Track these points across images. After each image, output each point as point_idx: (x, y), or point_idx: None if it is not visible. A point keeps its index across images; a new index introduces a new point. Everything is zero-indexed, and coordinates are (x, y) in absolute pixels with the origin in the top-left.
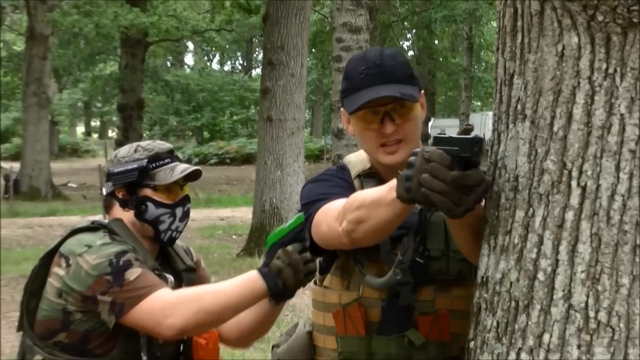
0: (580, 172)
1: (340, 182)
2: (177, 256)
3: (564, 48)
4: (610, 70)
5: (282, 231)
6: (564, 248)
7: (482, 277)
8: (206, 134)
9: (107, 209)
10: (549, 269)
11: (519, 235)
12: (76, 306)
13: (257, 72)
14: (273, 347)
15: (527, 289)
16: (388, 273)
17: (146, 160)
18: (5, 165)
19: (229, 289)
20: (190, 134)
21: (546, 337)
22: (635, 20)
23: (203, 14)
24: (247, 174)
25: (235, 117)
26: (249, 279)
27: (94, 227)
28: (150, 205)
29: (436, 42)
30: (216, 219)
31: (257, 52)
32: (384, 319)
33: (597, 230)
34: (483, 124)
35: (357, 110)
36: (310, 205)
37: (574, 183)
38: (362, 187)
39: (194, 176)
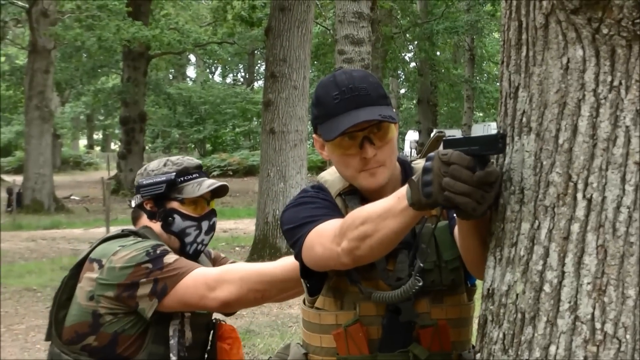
0: (586, 185)
1: (324, 203)
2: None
3: (568, 61)
4: (615, 83)
5: None
6: (570, 260)
7: (488, 289)
8: (208, 146)
9: (135, 220)
10: (555, 281)
11: (525, 247)
12: (108, 307)
13: (259, 84)
14: None
15: (533, 300)
16: (400, 286)
17: (174, 173)
18: (8, 178)
19: (276, 269)
20: (193, 146)
21: (552, 348)
22: (639, 32)
23: (205, 26)
24: (249, 186)
25: (237, 130)
26: (292, 266)
27: (123, 234)
28: (177, 217)
29: (438, 53)
30: (219, 230)
31: (259, 65)
32: (385, 336)
33: (603, 242)
34: (485, 134)
35: (338, 136)
36: (297, 229)
37: (579, 195)
38: (346, 205)
39: (221, 192)
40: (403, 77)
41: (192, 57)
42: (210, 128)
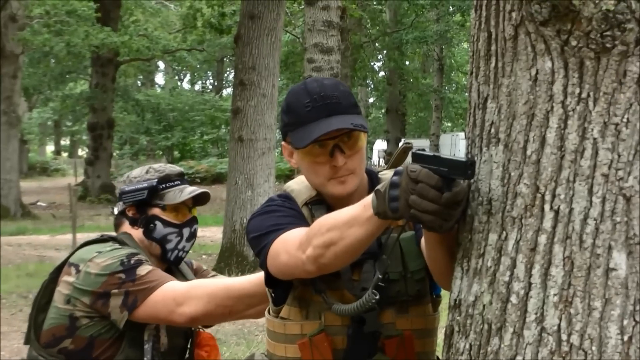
0: (554, 196)
1: (291, 212)
2: (181, 275)
3: (537, 72)
4: (584, 95)
5: None
6: (536, 271)
7: (455, 300)
8: (176, 154)
9: (117, 227)
10: (522, 292)
11: (492, 258)
12: (84, 311)
13: (227, 92)
14: None
15: (500, 311)
16: (362, 297)
17: (156, 180)
18: None
19: (243, 283)
20: (161, 153)
21: (519, 359)
22: (608, 45)
23: (174, 33)
24: (217, 194)
25: (205, 137)
26: (260, 275)
27: (103, 239)
28: (158, 224)
29: (407, 63)
30: None
31: (227, 72)
32: (350, 346)
33: (569, 253)
34: (454, 144)
35: (310, 144)
36: (262, 237)
37: (547, 207)
38: (312, 215)
39: (202, 199)
40: (372, 86)
41: (161, 64)
42: (179, 135)
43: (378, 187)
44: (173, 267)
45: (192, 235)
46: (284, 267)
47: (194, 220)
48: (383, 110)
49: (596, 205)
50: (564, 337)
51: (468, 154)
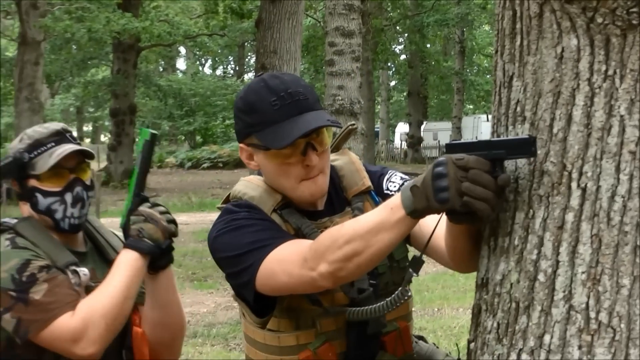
0: (581, 174)
1: (265, 224)
2: (108, 246)
3: (563, 50)
4: (610, 72)
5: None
6: (564, 249)
7: (482, 279)
8: (199, 138)
9: (18, 203)
10: (550, 270)
11: (519, 236)
12: None
13: (249, 76)
14: None
15: (528, 290)
16: (392, 295)
17: (24, 149)
18: None
19: (118, 281)
20: (183, 138)
21: (547, 338)
22: (634, 22)
23: (195, 18)
24: (239, 178)
25: (227, 122)
26: (124, 259)
27: (1, 229)
28: (38, 195)
29: (428, 45)
30: (209, 222)
31: (249, 57)
32: (352, 350)
33: (597, 231)
34: (475, 127)
35: (291, 143)
36: (242, 257)
37: (574, 184)
38: (285, 221)
39: (86, 155)
40: (393, 69)
41: (182, 49)
42: (201, 120)
43: (408, 184)
44: (95, 232)
45: (77, 199)
46: (284, 286)
47: (74, 183)
48: (405, 94)
49: (623, 182)
50: (592, 314)
51: (494, 132)
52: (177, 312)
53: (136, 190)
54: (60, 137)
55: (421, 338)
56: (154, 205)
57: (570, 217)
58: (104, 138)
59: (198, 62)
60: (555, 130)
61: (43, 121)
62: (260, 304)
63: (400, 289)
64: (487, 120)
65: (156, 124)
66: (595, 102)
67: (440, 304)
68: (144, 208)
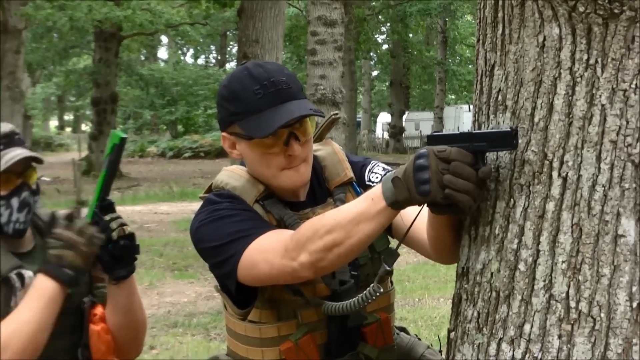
0: (562, 163)
1: (247, 214)
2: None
3: (545, 39)
4: (592, 61)
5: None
6: (545, 238)
7: (463, 268)
8: (180, 128)
9: None
10: (530, 260)
11: (500, 225)
12: None
13: (231, 65)
14: None
15: (508, 279)
16: (365, 291)
17: None
18: None
19: (30, 313)
20: (165, 127)
21: (527, 327)
22: (616, 11)
23: (177, 7)
24: (221, 168)
25: (209, 111)
26: (39, 287)
27: None
28: None
29: (411, 35)
30: (190, 212)
31: (230, 46)
32: (333, 341)
33: (578, 220)
34: (457, 117)
35: (274, 132)
36: (224, 247)
37: (555, 174)
38: (267, 211)
39: (34, 160)
40: (376, 59)
41: (164, 38)
42: (182, 109)
43: (389, 175)
44: (38, 224)
45: (24, 204)
46: (265, 276)
47: (21, 188)
48: (387, 83)
49: (604, 171)
50: (572, 304)
51: (475, 121)
52: (139, 312)
53: (101, 195)
54: (9, 139)
55: (403, 330)
56: (70, 218)
57: (551, 206)
58: (85, 127)
59: (180, 52)
60: (536, 120)
61: (24, 110)
62: (242, 295)
63: (372, 284)
64: (469, 110)
65: (138, 113)
66: (577, 91)
67: (421, 294)
68: (63, 231)
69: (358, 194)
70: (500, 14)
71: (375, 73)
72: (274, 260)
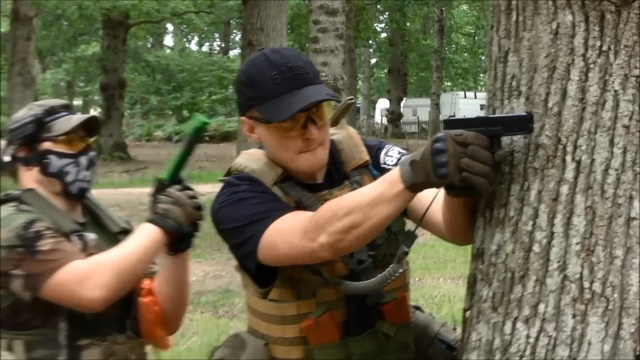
0: (575, 147)
1: (266, 197)
2: (109, 219)
3: (558, 26)
4: (605, 48)
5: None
6: (559, 221)
7: (478, 249)
8: (186, 113)
9: (14, 175)
10: (544, 241)
11: (515, 208)
12: None
13: (234, 53)
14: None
15: (523, 260)
16: (384, 271)
17: (41, 113)
18: None
19: (135, 246)
20: (171, 112)
21: (542, 307)
22: None
23: None
24: (226, 152)
25: (214, 97)
26: (144, 230)
27: (4, 199)
28: (52, 157)
29: (408, 24)
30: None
31: (234, 34)
32: (352, 319)
33: (591, 203)
34: (453, 103)
35: (292, 116)
36: (244, 228)
37: (568, 158)
38: (286, 193)
39: (93, 127)
40: (375, 47)
41: (170, 26)
42: (188, 95)
43: (407, 159)
44: (94, 208)
45: (91, 164)
46: (285, 257)
47: (89, 148)
48: (385, 70)
49: (617, 155)
50: (586, 284)
51: (489, 106)
52: (186, 289)
53: (176, 171)
54: (69, 109)
55: (418, 308)
56: (185, 188)
57: (564, 189)
58: (94, 112)
59: (185, 39)
60: (550, 105)
61: (35, 95)
62: (262, 275)
63: (392, 265)
64: (465, 97)
65: (144, 99)
66: (590, 77)
67: (421, 274)
68: (174, 190)
69: (374, 177)
70: (514, 2)
71: (374, 60)
72: (293, 241)
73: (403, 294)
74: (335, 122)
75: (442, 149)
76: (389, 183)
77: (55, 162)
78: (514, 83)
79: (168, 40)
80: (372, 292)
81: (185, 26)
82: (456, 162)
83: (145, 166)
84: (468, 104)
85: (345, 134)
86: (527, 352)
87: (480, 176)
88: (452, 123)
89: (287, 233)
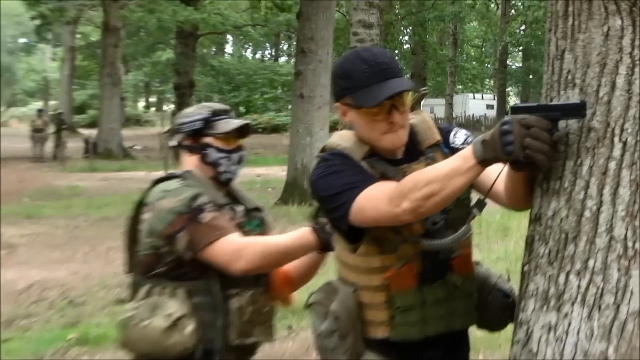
0: (622, 130)
1: (356, 170)
2: (244, 198)
3: (609, 29)
4: None
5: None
6: (607, 191)
7: (536, 214)
8: (242, 109)
9: (177, 157)
10: (594, 208)
11: (569, 180)
12: (162, 243)
13: (283, 59)
14: (310, 304)
15: (575, 223)
16: (458, 231)
17: (209, 113)
18: (83, 131)
19: (287, 242)
20: (230, 108)
21: (591, 262)
22: None
23: (241, 12)
24: (276, 141)
25: (266, 96)
26: (303, 234)
27: (170, 177)
28: (211, 150)
29: (428, 37)
30: (253, 175)
31: (282, 44)
32: (427, 270)
33: (635, 177)
34: (464, 103)
35: (379, 103)
36: (338, 195)
37: (616, 139)
38: (373, 168)
39: (246, 131)
40: (400, 55)
41: (230, 37)
42: (244, 94)
43: (479, 139)
44: (234, 191)
45: (240, 160)
46: (372, 220)
47: (241, 148)
48: (408, 75)
49: None
50: (629, 244)
51: (547, 96)
52: (318, 268)
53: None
54: (229, 113)
55: (478, 263)
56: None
57: (612, 165)
58: (166, 107)
59: (242, 48)
60: (601, 95)
61: (120, 92)
62: (352, 234)
63: (465, 225)
64: (474, 98)
65: (209, 97)
66: (636, 72)
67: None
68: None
69: (445, 154)
70: (570, 9)
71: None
72: (379, 207)
73: (468, 250)
74: (412, 109)
75: (509, 130)
76: (463, 159)
77: (213, 154)
78: (569, 77)
79: (228, 49)
80: (446, 248)
81: (242, 37)
82: (521, 142)
83: None
84: (476, 104)
85: (420, 118)
86: (578, 299)
87: (541, 153)
88: (518, 109)
89: (375, 200)
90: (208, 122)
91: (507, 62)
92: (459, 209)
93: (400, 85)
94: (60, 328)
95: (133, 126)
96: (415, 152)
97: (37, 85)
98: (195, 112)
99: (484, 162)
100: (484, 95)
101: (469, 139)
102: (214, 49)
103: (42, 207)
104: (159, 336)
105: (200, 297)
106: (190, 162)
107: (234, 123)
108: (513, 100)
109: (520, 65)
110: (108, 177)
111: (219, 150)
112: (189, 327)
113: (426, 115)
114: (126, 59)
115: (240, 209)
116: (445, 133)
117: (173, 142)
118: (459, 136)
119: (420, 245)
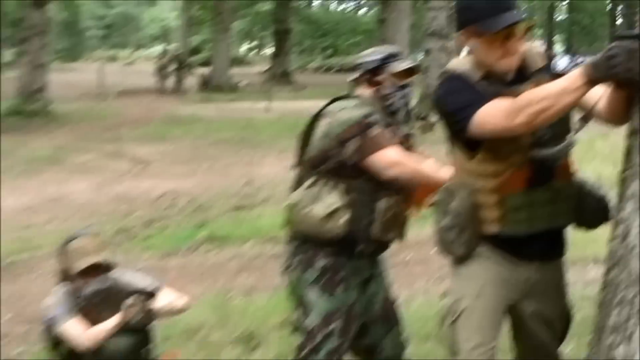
0: None
1: (473, 89)
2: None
3: None
4: None
5: None
6: None
7: (633, 128)
8: (329, 52)
9: (354, 88)
10: None
11: None
12: (331, 146)
13: (362, 10)
14: (433, 203)
15: None
16: (565, 142)
17: (386, 54)
18: (199, 69)
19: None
20: (319, 51)
21: None
22: None
23: None
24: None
25: (347, 42)
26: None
27: (347, 97)
28: (386, 84)
29: None
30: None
31: None
32: (535, 176)
33: None
34: None
35: (499, 30)
36: (460, 111)
37: None
38: (488, 88)
39: (414, 71)
40: None
41: None
42: (331, 40)
43: (588, 61)
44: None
45: (406, 95)
46: (490, 132)
47: (409, 85)
48: None
49: None
50: None
51: None
52: None
53: None
54: (401, 55)
55: (576, 171)
56: None
57: None
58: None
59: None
60: None
61: (229, 38)
62: (471, 143)
63: (570, 137)
64: None
65: (302, 42)
66: None
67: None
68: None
69: (551, 77)
70: None
71: None
72: (497, 121)
73: (569, 159)
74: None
75: (616, 54)
76: (572, 79)
77: (387, 88)
78: None
79: (316, 2)
80: (554, 157)
81: None
82: (625, 64)
83: (305, 86)
84: None
85: (529, 46)
86: None
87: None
88: (623, 37)
89: (492, 115)
90: (385, 61)
91: (554, 14)
92: (562, 124)
93: (515, 16)
94: (191, 228)
95: (238, 65)
96: (525, 75)
97: (159, 31)
98: (373, 52)
99: (591, 81)
100: (533, 42)
101: (570, 66)
102: (306, 2)
103: (169, 131)
104: (317, 222)
105: (356, 194)
106: (366, 91)
107: (405, 64)
108: (558, 47)
109: (566, 16)
110: (220, 107)
111: (392, 85)
112: (344, 217)
113: (534, 43)
114: (234, 10)
115: (403, 130)
116: (549, 60)
117: (354, 76)
118: (560, 63)
119: (530, 153)
